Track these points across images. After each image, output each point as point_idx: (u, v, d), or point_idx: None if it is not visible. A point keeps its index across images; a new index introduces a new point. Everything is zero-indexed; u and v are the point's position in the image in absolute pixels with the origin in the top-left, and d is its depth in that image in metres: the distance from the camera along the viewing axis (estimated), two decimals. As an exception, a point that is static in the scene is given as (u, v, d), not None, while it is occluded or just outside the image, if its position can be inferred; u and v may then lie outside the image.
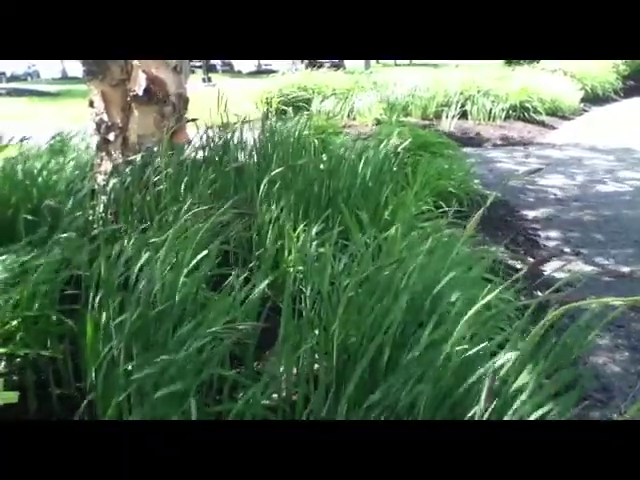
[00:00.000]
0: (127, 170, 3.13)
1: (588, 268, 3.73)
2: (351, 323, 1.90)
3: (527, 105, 9.74)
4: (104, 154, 3.43)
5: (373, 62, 17.72)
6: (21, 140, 3.77)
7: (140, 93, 3.31)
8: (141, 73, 3.30)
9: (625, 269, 3.74)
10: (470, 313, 1.62)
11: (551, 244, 4.23)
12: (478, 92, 9.65)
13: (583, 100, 11.65)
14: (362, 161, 3.66)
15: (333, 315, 1.91)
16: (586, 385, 2.27)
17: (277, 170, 3.11)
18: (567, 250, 4.10)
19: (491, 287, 2.19)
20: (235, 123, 3.81)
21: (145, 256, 2.06)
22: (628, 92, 13.86)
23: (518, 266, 3.52)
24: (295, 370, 1.84)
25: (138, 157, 3.20)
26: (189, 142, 3.63)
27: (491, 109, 9.41)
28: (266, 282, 2.04)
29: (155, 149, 3.29)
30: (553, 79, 11.66)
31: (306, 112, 6.50)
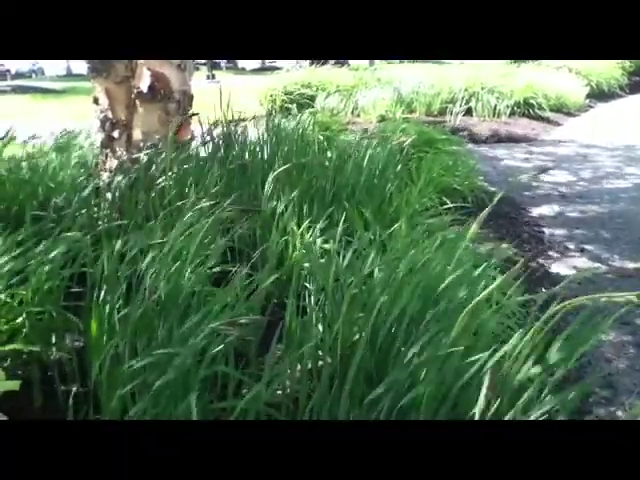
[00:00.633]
0: (132, 167, 3.14)
1: (593, 265, 3.73)
2: (355, 320, 1.90)
3: (532, 102, 9.71)
4: (109, 151, 3.44)
5: (377, 59, 17.67)
6: (29, 139, 3.79)
7: (144, 90, 3.31)
8: (145, 70, 3.31)
9: (630, 265, 3.73)
10: (469, 306, 1.62)
11: (555, 240, 4.23)
12: (483, 89, 9.63)
13: (588, 96, 11.61)
14: (366, 158, 3.66)
15: (337, 312, 1.91)
16: (591, 382, 2.27)
17: (282, 167, 3.12)
18: (572, 247, 4.09)
19: (494, 283, 2.19)
20: (239, 120, 3.81)
21: (150, 252, 2.07)
22: (633, 88, 13.81)
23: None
24: (299, 366, 1.84)
25: (142, 154, 3.21)
26: (194, 139, 3.64)
27: (496, 106, 9.38)
28: (271, 279, 2.04)
29: (160, 146, 3.30)
30: (558, 76, 11.62)
31: (310, 109, 6.49)
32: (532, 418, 1.53)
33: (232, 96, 3.77)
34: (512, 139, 8.40)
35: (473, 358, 1.66)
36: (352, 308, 1.90)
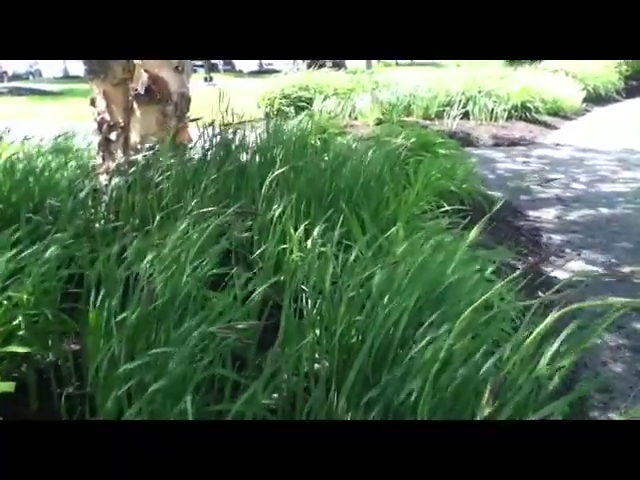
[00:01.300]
0: (129, 169, 3.13)
1: (589, 268, 3.73)
2: (352, 322, 1.90)
3: (529, 105, 9.72)
4: (106, 153, 3.43)
5: (375, 62, 17.67)
6: (23, 140, 3.78)
7: (142, 92, 3.31)
8: (143, 72, 3.30)
9: (626, 269, 3.74)
10: (468, 311, 1.62)
11: (552, 244, 4.23)
12: (480, 92, 9.63)
13: (585, 100, 11.63)
14: (364, 161, 3.66)
15: (334, 314, 1.91)
16: (587, 386, 2.27)
17: (279, 170, 3.11)
18: (568, 250, 4.10)
19: (492, 287, 2.19)
20: (237, 123, 3.81)
21: (147, 255, 2.07)
22: (630, 92, 13.83)
23: (520, 266, 3.52)
24: (296, 369, 1.84)
25: (140, 156, 3.20)
26: (191, 142, 3.63)
27: (493, 109, 9.39)
28: (268, 282, 2.04)
29: (157, 148, 3.30)
30: (555, 79, 11.65)
31: (308, 112, 6.50)
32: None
33: (230, 99, 3.77)
34: (509, 142, 8.42)
35: (471, 362, 1.66)
36: (349, 311, 1.89)
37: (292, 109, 9.06)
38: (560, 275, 3.51)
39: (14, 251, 2.15)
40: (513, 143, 8.39)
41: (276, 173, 3.08)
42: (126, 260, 2.10)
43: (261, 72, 21.43)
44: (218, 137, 3.69)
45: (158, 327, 1.85)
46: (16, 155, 3.41)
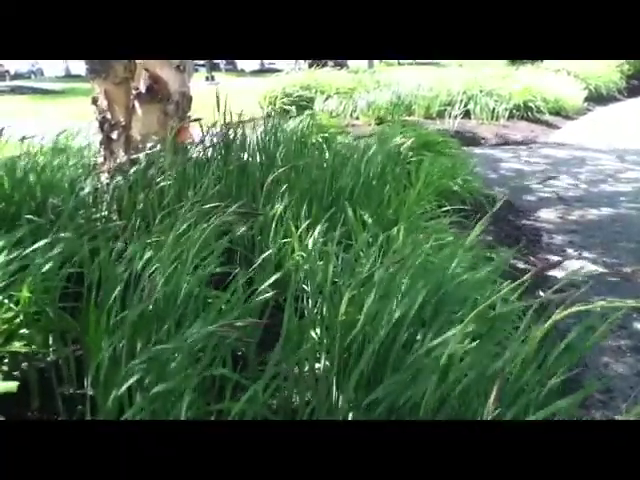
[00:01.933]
0: (130, 169, 3.13)
1: (591, 268, 3.73)
2: (353, 322, 1.90)
3: (530, 105, 9.72)
4: (107, 152, 3.43)
5: (376, 61, 17.70)
6: (23, 138, 3.78)
7: (143, 91, 3.31)
8: (144, 72, 3.30)
9: (628, 269, 3.73)
10: (472, 315, 1.62)
11: (554, 244, 4.23)
12: (481, 92, 9.63)
13: (587, 100, 11.63)
14: (365, 160, 3.66)
15: (335, 314, 1.91)
16: (588, 386, 2.27)
17: (280, 169, 3.11)
18: (570, 250, 4.09)
19: (495, 288, 2.19)
20: (238, 122, 3.81)
21: (148, 254, 2.07)
22: (632, 92, 13.83)
23: (521, 266, 3.52)
24: (297, 369, 1.84)
25: (141, 155, 3.20)
26: (192, 141, 3.63)
27: (494, 108, 9.39)
28: (269, 282, 2.04)
29: (158, 147, 3.30)
30: (557, 79, 11.65)
31: (309, 111, 6.49)
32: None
33: (231, 98, 3.77)
34: (511, 142, 8.41)
35: (474, 363, 1.66)
36: (350, 310, 1.89)
37: (294, 108, 9.06)
38: (561, 275, 3.50)
39: (15, 250, 2.15)
40: (515, 142, 8.38)
41: (277, 172, 3.08)
42: (127, 259, 2.10)
43: (263, 71, 21.43)
44: (219, 136, 3.69)
45: (159, 326, 1.85)
46: (17, 154, 3.41)
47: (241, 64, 24.57)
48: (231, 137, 3.68)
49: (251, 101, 9.63)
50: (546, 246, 4.17)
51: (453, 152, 5.33)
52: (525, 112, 9.68)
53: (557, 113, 10.38)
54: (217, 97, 3.66)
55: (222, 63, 23.70)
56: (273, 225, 2.77)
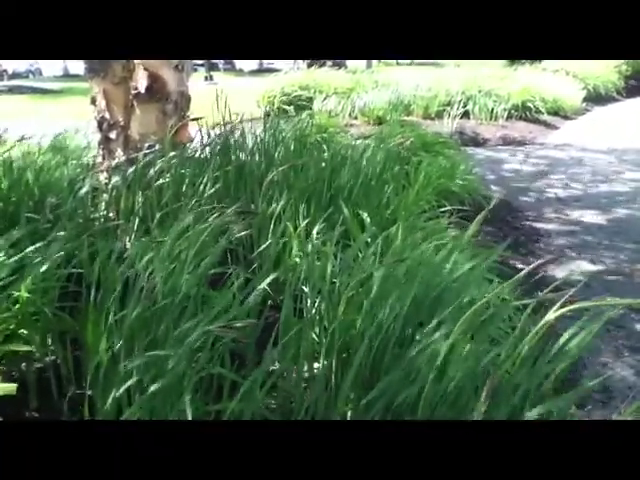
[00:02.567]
0: (129, 168, 3.13)
1: (589, 268, 3.73)
2: (351, 322, 1.90)
3: (529, 105, 9.73)
4: (106, 152, 3.43)
5: (375, 61, 17.71)
6: (21, 139, 3.77)
7: (142, 91, 3.31)
8: (143, 71, 3.30)
9: (626, 269, 3.74)
10: (468, 313, 1.62)
11: (552, 244, 4.23)
12: (480, 92, 9.64)
13: (585, 100, 11.64)
14: (364, 160, 3.66)
15: (333, 314, 1.91)
16: (586, 386, 2.27)
17: (279, 169, 3.11)
18: (568, 250, 4.10)
19: (492, 287, 2.19)
20: (237, 122, 3.81)
21: (147, 254, 2.07)
22: (630, 92, 13.85)
23: (519, 266, 3.52)
24: (295, 369, 1.84)
25: (140, 155, 3.20)
26: (191, 140, 3.63)
27: (493, 109, 9.39)
28: (267, 281, 2.04)
29: (157, 147, 3.29)
30: (555, 79, 11.65)
31: (308, 111, 6.50)
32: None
33: (230, 98, 3.77)
34: (509, 142, 8.42)
35: (470, 361, 1.66)
36: (348, 310, 1.89)
37: (292, 108, 9.06)
38: (559, 274, 3.51)
39: (14, 250, 2.15)
40: (513, 143, 8.38)
41: (275, 172, 3.08)
42: (126, 259, 2.10)
43: (261, 71, 21.44)
44: (218, 136, 3.69)
45: (157, 326, 1.85)
46: (15, 153, 3.41)
47: (240, 64, 24.57)
48: (230, 137, 3.68)
49: (250, 101, 9.63)
50: (545, 246, 4.18)
51: (452, 152, 5.33)
52: (524, 112, 9.69)
53: (555, 113, 10.39)
54: (217, 97, 3.66)
55: (221, 63, 23.70)
56: (272, 225, 2.76)
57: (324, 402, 1.72)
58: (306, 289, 2.11)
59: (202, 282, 2.10)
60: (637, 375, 2.52)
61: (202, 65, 18.00)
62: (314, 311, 1.99)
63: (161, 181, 3.01)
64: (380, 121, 8.32)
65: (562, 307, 1.57)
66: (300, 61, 14.85)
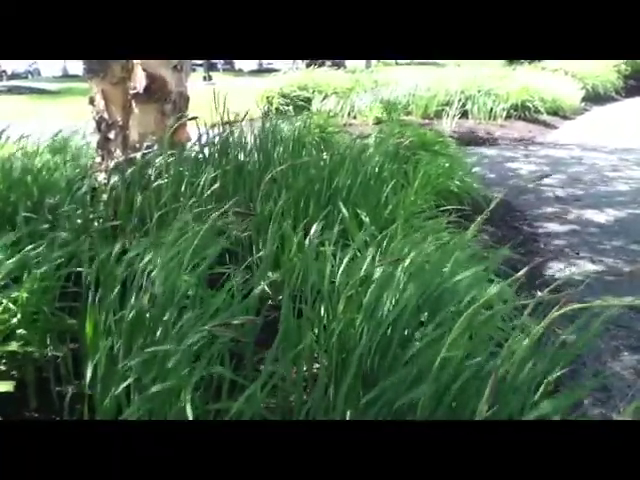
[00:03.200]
0: (128, 168, 3.13)
1: (588, 267, 3.73)
2: (351, 322, 1.90)
3: (528, 104, 9.74)
4: (105, 152, 3.43)
5: (374, 61, 17.71)
6: (20, 138, 3.77)
7: (141, 91, 3.31)
8: (141, 71, 3.30)
9: (626, 269, 3.74)
10: (467, 312, 1.62)
11: (552, 244, 4.23)
12: (479, 91, 9.64)
13: (584, 99, 11.65)
14: (362, 160, 3.66)
15: (333, 314, 1.91)
16: (586, 385, 2.27)
17: (277, 169, 3.11)
18: (567, 250, 4.10)
19: (492, 287, 2.19)
20: (236, 122, 3.81)
21: (146, 254, 2.06)
22: (629, 91, 13.88)
23: (519, 266, 3.52)
24: (294, 369, 1.84)
25: (139, 155, 3.20)
26: (189, 140, 3.63)
27: (492, 108, 9.40)
28: (267, 281, 2.04)
29: (156, 147, 3.29)
30: (554, 78, 11.67)
31: (307, 111, 6.49)
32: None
33: (229, 98, 3.77)
34: (508, 142, 8.42)
35: (470, 361, 1.66)
36: (348, 310, 1.89)
37: (291, 108, 9.06)
38: (559, 274, 3.51)
39: (14, 250, 2.15)
40: (512, 142, 8.38)
41: (274, 172, 3.08)
42: (125, 259, 2.10)
43: (260, 71, 21.44)
44: (216, 136, 3.68)
45: (156, 325, 1.85)
46: (14, 153, 3.40)
47: (239, 64, 24.57)
48: (228, 136, 3.68)
49: (249, 101, 9.62)
50: (544, 246, 4.18)
51: (451, 152, 5.33)
52: (523, 112, 9.70)
53: (555, 113, 10.40)
54: (216, 97, 3.66)
55: (220, 63, 23.69)
56: (270, 225, 2.76)
57: (324, 402, 1.72)
58: (305, 289, 2.10)
59: (201, 282, 2.10)
60: (637, 374, 2.52)
61: (201, 65, 17.98)
62: (313, 311, 1.99)
63: (160, 181, 3.01)
64: (379, 121, 8.31)
65: (562, 307, 1.57)
66: (299, 61, 14.84)
